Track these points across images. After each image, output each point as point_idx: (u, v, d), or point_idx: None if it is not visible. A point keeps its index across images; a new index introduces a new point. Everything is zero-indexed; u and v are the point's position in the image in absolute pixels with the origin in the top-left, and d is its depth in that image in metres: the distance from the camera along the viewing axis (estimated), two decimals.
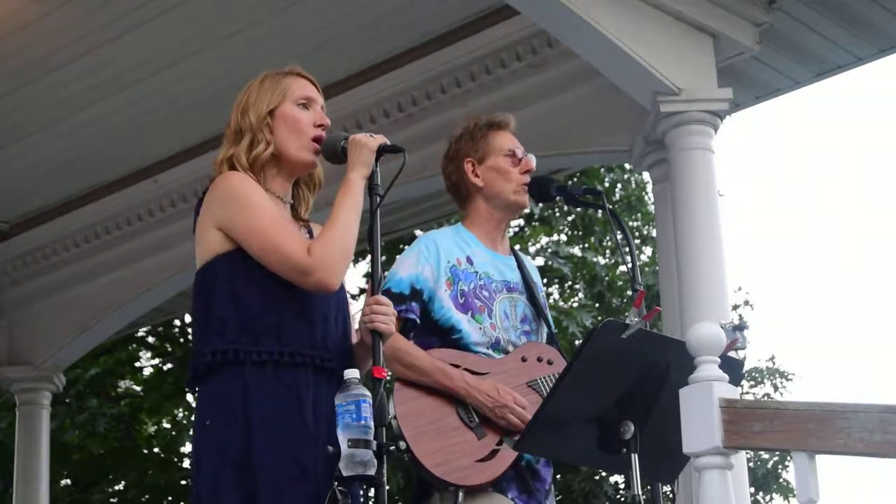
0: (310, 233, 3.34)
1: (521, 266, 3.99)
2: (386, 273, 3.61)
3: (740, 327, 3.59)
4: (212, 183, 3.27)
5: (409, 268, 3.76)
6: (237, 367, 3.09)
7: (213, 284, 3.15)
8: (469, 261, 3.85)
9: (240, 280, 3.13)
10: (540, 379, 3.76)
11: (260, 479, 3.01)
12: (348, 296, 3.38)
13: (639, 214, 13.26)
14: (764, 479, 13.53)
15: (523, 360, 3.80)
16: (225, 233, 3.16)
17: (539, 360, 3.82)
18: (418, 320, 3.74)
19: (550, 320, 4.02)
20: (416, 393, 3.64)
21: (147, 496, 12.88)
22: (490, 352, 3.77)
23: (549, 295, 13.37)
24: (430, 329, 3.75)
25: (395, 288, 3.71)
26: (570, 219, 13.27)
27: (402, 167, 3.19)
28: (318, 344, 3.17)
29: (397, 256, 3.89)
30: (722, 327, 3.52)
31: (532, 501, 3.72)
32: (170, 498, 12.91)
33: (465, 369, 3.70)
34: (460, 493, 3.55)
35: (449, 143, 4.00)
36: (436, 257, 3.79)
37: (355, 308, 3.30)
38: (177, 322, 12.91)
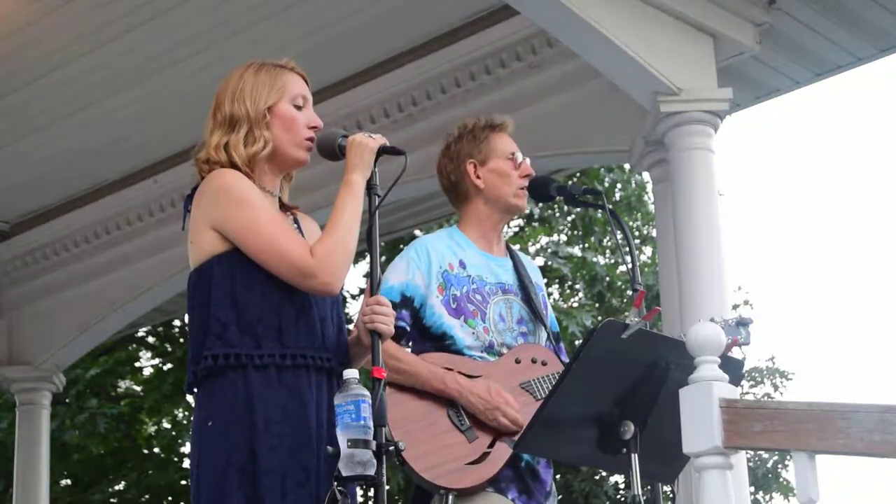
0: (296, 221, 3.33)
1: (517, 267, 3.98)
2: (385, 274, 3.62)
3: (743, 322, 3.59)
4: (196, 166, 3.24)
5: (399, 275, 3.76)
6: (239, 371, 3.07)
7: (209, 286, 3.12)
8: (462, 265, 3.84)
9: (238, 282, 3.11)
10: (534, 381, 3.75)
11: (264, 483, 3.01)
12: (345, 294, 3.38)
13: (639, 214, 13.26)
14: (764, 479, 13.54)
15: (517, 361, 3.79)
16: (220, 232, 3.13)
17: (533, 361, 3.82)
18: (408, 328, 3.74)
19: (551, 320, 4.01)
20: (404, 396, 3.64)
21: (147, 496, 12.89)
22: (484, 355, 3.77)
23: (549, 295, 13.36)
24: (423, 335, 3.76)
25: (385, 296, 3.66)
26: (570, 219, 13.27)
27: (403, 171, 3.18)
28: (318, 344, 3.16)
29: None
30: (724, 323, 3.52)
31: (532, 502, 3.72)
32: (170, 498, 12.92)
33: (458, 372, 3.70)
34: (450, 497, 3.55)
35: (448, 143, 3.98)
36: (426, 264, 3.78)
37: (354, 308, 3.29)
38: (177, 322, 12.92)
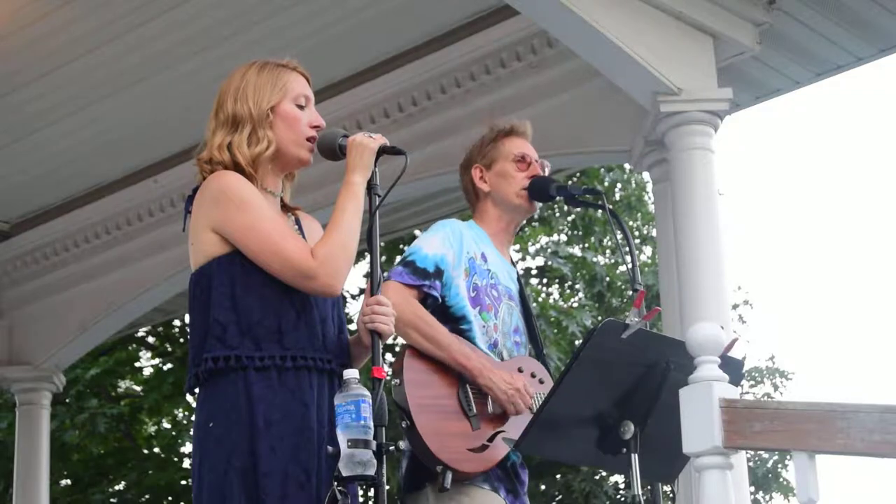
0: (297, 222, 3.33)
1: (518, 278, 4.00)
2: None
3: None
4: (198, 165, 3.24)
5: (435, 247, 3.74)
6: (240, 372, 3.08)
7: (209, 288, 3.12)
8: (484, 258, 3.85)
9: (238, 284, 3.11)
10: (535, 395, 3.75)
11: (265, 485, 3.01)
12: (345, 294, 3.38)
13: (639, 214, 13.27)
14: (764, 479, 13.54)
15: (520, 370, 3.80)
16: (221, 234, 3.13)
17: (532, 375, 3.83)
18: (440, 299, 3.72)
19: (540, 337, 4.03)
20: (426, 366, 3.63)
21: (147, 496, 12.89)
22: (488, 352, 3.77)
23: (548, 295, 13.38)
24: (441, 314, 3.72)
25: (420, 263, 3.70)
26: (570, 219, 13.27)
27: (403, 170, 3.19)
28: (319, 346, 3.16)
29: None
30: None
31: (517, 502, 3.73)
32: (170, 498, 12.92)
33: None
34: (448, 475, 3.53)
35: (467, 151, 4.05)
36: (459, 245, 3.78)
37: (355, 308, 3.29)
38: (177, 322, 12.92)
